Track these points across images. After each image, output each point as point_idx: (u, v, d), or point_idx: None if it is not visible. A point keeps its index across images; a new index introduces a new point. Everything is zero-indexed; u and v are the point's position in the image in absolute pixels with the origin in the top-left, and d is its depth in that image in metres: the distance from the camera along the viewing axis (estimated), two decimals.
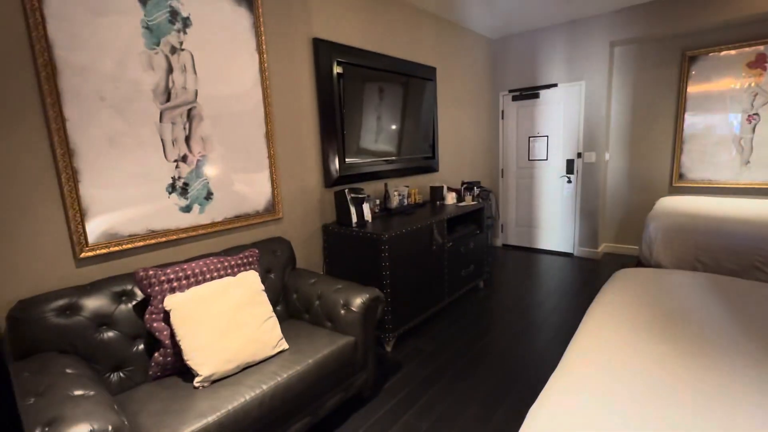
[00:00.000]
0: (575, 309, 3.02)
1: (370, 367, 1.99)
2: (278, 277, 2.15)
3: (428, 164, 3.67)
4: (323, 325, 1.99)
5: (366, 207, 2.70)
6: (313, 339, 1.81)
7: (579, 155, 4.19)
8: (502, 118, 4.66)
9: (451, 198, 3.41)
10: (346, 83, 2.74)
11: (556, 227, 4.48)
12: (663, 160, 4.02)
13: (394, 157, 3.24)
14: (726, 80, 3.62)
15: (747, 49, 3.49)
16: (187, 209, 1.97)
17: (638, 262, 2.93)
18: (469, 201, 3.41)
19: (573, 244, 4.39)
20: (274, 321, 1.74)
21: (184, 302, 1.56)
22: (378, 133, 3.09)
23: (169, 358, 1.57)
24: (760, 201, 3.26)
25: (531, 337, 2.63)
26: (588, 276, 3.72)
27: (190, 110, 1.95)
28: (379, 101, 3.05)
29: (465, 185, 3.59)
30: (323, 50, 2.59)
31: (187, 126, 1.94)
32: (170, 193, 1.90)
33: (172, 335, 1.57)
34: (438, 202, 3.46)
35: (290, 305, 2.14)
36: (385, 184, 3.06)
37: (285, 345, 1.74)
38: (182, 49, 1.90)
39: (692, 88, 3.78)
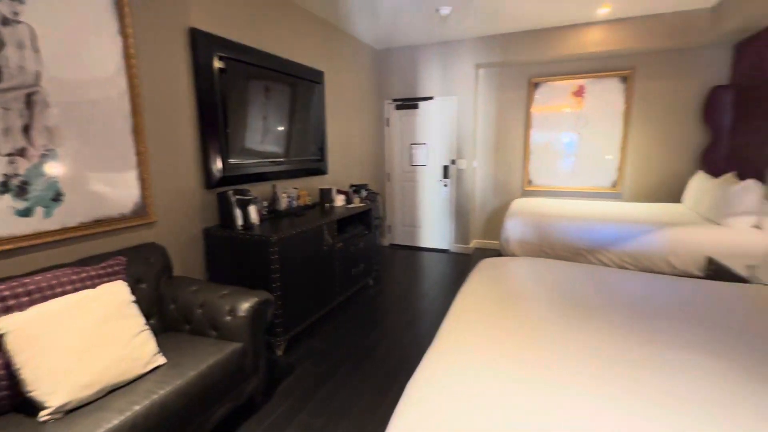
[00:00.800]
0: (452, 298, 3.39)
1: (262, 372, 1.94)
2: (152, 287, 1.94)
3: (317, 166, 3.71)
4: (207, 334, 1.87)
5: (252, 209, 2.60)
6: (196, 350, 1.69)
7: (453, 162, 4.70)
8: (387, 125, 4.95)
9: (340, 200, 3.50)
10: (229, 79, 2.61)
11: (435, 227, 4.94)
12: (517, 168, 4.78)
13: (282, 159, 3.19)
14: (559, 104, 4.48)
15: (572, 81, 4.39)
16: (26, 213, 1.64)
17: (499, 254, 3.43)
18: (357, 203, 3.54)
19: (449, 241, 4.90)
20: (148, 335, 1.58)
21: (24, 323, 1.31)
22: (265, 133, 3.00)
23: (3, 393, 1.30)
24: (584, 201, 4.12)
25: (416, 325, 2.87)
26: (462, 269, 4.20)
27: (30, 95, 1.64)
28: (265, 101, 2.97)
29: (353, 188, 3.72)
30: (202, 42, 2.43)
31: (25, 113, 1.63)
32: (1, 193, 1.57)
33: (7, 365, 1.30)
34: (327, 204, 3.52)
35: (167, 317, 1.95)
36: (273, 186, 3.00)
37: (161, 360, 1.58)
38: (18, 22, 1.59)
39: (535, 110, 4.57)
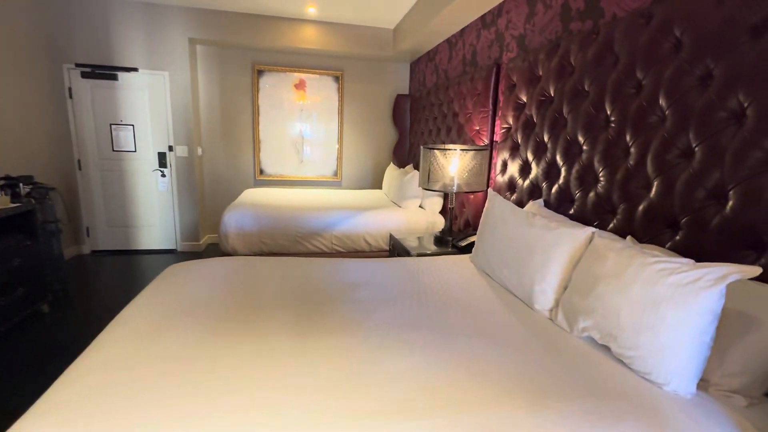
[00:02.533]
0: None
1: None
2: None
3: None
4: None
5: None
6: None
7: (171, 148, 4.07)
8: (71, 97, 3.78)
9: None
10: None
11: (155, 224, 4.20)
12: (248, 156, 4.62)
13: None
14: (285, 95, 4.56)
15: (294, 73, 4.54)
16: None
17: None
18: (6, 203, 2.52)
19: (175, 239, 4.29)
20: None
21: None
22: None
23: None
24: (307, 190, 4.39)
25: None
26: None
27: None
28: None
29: (2, 182, 2.64)
30: None
31: None
32: None
33: None
34: None
35: None
36: None
37: None
38: None
39: (263, 98, 4.51)
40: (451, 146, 2.55)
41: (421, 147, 2.70)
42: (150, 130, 4.00)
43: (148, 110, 3.97)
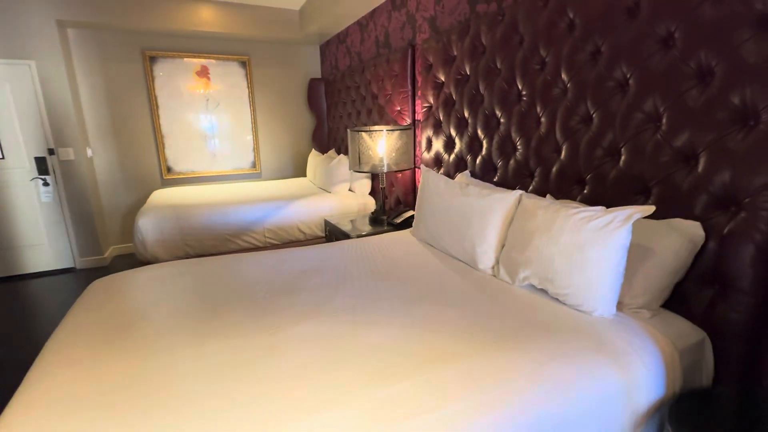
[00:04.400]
0: None
1: None
2: None
3: None
4: None
5: None
6: None
7: (52, 152, 3.48)
8: None
9: None
10: None
11: (43, 242, 3.60)
12: (150, 154, 4.15)
13: None
14: (187, 84, 4.16)
15: (194, 60, 4.15)
16: None
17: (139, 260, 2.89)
18: None
19: (72, 256, 3.72)
20: None
21: None
22: None
23: None
24: (227, 185, 4.12)
25: None
26: None
27: None
28: None
29: None
30: None
31: None
32: None
33: None
34: None
35: None
36: None
37: None
38: None
39: (160, 88, 4.06)
40: (376, 128, 2.61)
41: (348, 130, 2.72)
42: (19, 132, 3.36)
43: (14, 108, 3.32)
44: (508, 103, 1.94)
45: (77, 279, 3.53)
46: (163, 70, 4.04)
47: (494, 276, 1.63)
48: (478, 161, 2.18)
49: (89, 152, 3.80)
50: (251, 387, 0.95)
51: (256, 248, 3.05)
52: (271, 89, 4.54)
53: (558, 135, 1.69)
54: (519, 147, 1.91)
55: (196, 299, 1.44)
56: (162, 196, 3.42)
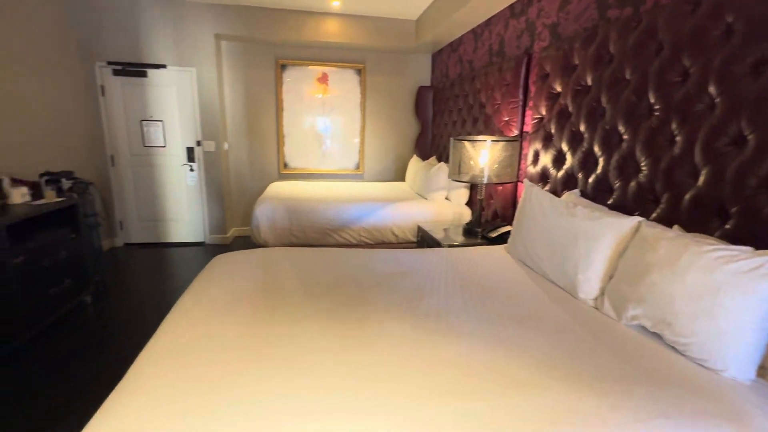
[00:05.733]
0: None
1: None
2: None
3: None
4: None
5: None
6: None
7: (198, 143, 4.16)
8: (103, 94, 3.88)
9: (19, 195, 2.50)
10: None
11: (184, 218, 4.31)
12: (272, 151, 4.68)
13: None
14: (308, 89, 4.60)
15: (317, 67, 4.57)
16: None
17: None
18: (52, 197, 2.62)
19: (204, 232, 4.39)
20: None
21: None
22: None
23: None
24: (332, 183, 4.43)
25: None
26: None
27: None
28: None
29: (46, 177, 2.74)
30: None
31: None
32: None
33: None
34: None
35: None
36: None
37: None
38: None
39: (286, 93, 4.55)
40: (480, 137, 2.55)
41: (451, 139, 2.71)
42: (179, 126, 4.09)
43: (177, 106, 4.05)
44: (635, 118, 1.73)
45: (205, 252, 4.14)
46: (290, 77, 4.53)
47: (596, 308, 1.46)
48: (591, 180, 1.99)
49: (226, 146, 4.44)
50: (321, 375, 1.01)
51: (351, 245, 3.23)
52: (382, 95, 4.75)
53: (697, 157, 1.45)
54: (644, 168, 1.68)
55: (296, 283, 1.58)
56: (277, 188, 3.83)
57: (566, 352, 1.15)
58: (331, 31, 4.18)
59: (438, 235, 2.76)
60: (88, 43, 3.75)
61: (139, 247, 4.22)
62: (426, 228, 2.92)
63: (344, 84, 4.65)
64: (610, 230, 1.47)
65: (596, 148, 1.96)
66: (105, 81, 3.87)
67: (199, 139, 4.15)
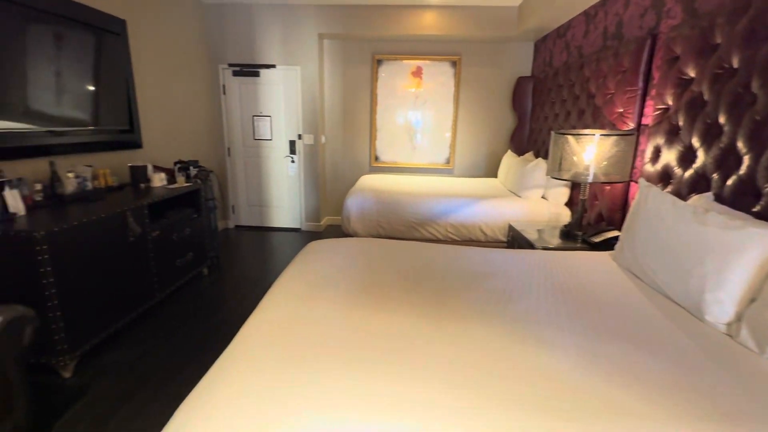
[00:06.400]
0: None
1: (21, 410, 1.49)
2: None
3: (127, 139, 3.05)
4: None
5: (12, 194, 1.96)
6: None
7: (299, 137, 4.48)
8: (224, 93, 4.40)
9: (159, 179, 2.97)
10: None
11: (284, 205, 4.70)
12: (364, 144, 4.84)
13: (71, 128, 2.50)
14: (402, 83, 4.64)
15: (412, 61, 4.58)
16: None
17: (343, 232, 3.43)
18: (182, 182, 3.06)
19: (300, 219, 4.74)
20: None
21: None
22: (57, 94, 2.28)
23: None
24: (421, 177, 4.43)
25: None
26: None
27: None
28: (56, 52, 2.23)
29: (179, 165, 3.21)
30: None
31: None
32: None
33: None
34: (142, 185, 2.95)
35: None
36: (51, 164, 2.32)
37: None
38: None
39: (381, 87, 4.66)
40: (587, 131, 2.30)
41: (552, 132, 2.49)
42: (283, 121, 4.46)
43: (282, 102, 4.41)
44: None
45: (301, 238, 4.47)
46: (385, 72, 4.61)
47: (729, 335, 1.22)
48: (729, 182, 1.66)
49: (323, 139, 4.71)
50: (398, 372, 1.01)
51: (436, 240, 3.19)
52: (476, 88, 4.58)
53: None
54: None
55: (385, 274, 1.61)
56: (367, 180, 3.95)
57: (684, 382, 0.98)
58: (428, 23, 4.14)
59: (531, 235, 2.58)
60: (214, 48, 4.28)
61: (246, 230, 4.72)
62: (518, 228, 2.75)
63: (438, 77, 4.58)
64: (755, 243, 1.21)
65: (740, 144, 1.62)
66: (226, 81, 4.38)
67: (300, 132, 4.47)
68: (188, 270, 3.03)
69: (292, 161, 4.55)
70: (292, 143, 4.50)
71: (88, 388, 1.91)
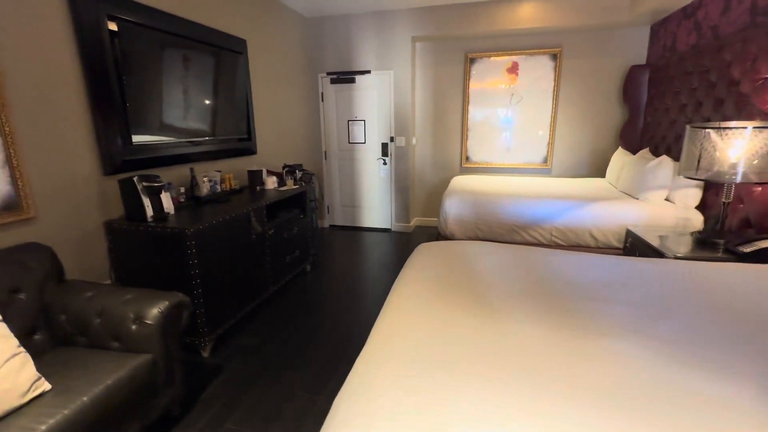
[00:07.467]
0: (393, 278, 3.34)
1: (178, 382, 1.74)
2: (33, 297, 1.63)
3: (245, 146, 3.39)
4: (108, 347, 1.62)
5: (165, 197, 2.30)
6: (91, 368, 1.45)
7: (392, 139, 4.58)
8: (322, 100, 4.67)
9: (271, 182, 3.26)
10: (126, 44, 2.22)
11: (375, 206, 4.84)
12: (455, 144, 4.78)
13: (201, 138, 2.86)
14: (495, 81, 4.49)
15: (507, 57, 4.40)
16: None
17: (438, 232, 3.42)
18: (291, 185, 3.32)
19: (390, 220, 4.84)
20: (23, 359, 1.31)
21: None
22: (186, 109, 2.65)
23: None
24: (517, 178, 4.23)
25: (356, 310, 2.78)
26: (403, 248, 4.18)
27: None
28: (185, 72, 2.60)
29: (287, 168, 3.48)
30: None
31: None
32: None
33: None
34: (258, 188, 3.25)
35: (58, 330, 1.66)
36: (191, 170, 2.68)
37: (45, 386, 1.33)
38: None
39: (473, 86, 4.56)
40: (735, 123, 2.00)
41: (687, 126, 2.21)
42: (376, 124, 4.59)
43: (376, 106, 4.55)
44: None
45: (391, 238, 4.57)
46: (477, 70, 4.50)
47: None
48: None
49: (414, 141, 4.76)
50: (529, 384, 0.96)
51: (540, 245, 3.02)
52: (579, 81, 4.25)
53: None
54: None
55: (498, 280, 1.57)
56: (461, 182, 3.88)
57: None
58: (525, 16, 3.94)
59: (653, 242, 2.32)
60: (313, 58, 4.57)
61: (340, 229, 4.96)
62: (638, 233, 2.49)
63: (534, 72, 4.34)
64: None
65: None
66: (324, 89, 4.64)
67: (392, 135, 4.57)
68: (295, 266, 3.27)
69: (384, 163, 4.66)
70: (385, 146, 4.62)
71: (221, 369, 2.15)
